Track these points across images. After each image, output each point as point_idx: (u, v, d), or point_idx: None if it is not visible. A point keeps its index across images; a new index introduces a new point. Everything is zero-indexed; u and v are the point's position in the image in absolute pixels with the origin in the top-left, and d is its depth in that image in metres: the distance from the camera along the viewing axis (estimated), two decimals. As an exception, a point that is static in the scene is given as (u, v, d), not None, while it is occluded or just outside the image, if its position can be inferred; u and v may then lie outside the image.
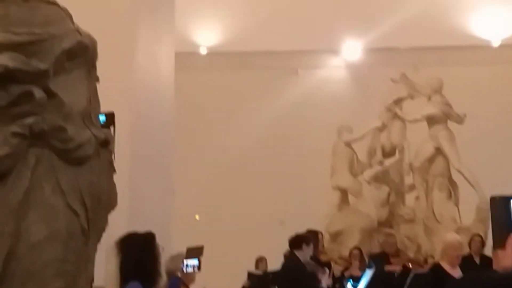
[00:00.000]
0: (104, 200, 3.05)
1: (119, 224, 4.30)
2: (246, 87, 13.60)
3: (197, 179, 12.70)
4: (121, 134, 5.72)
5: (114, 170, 3.18)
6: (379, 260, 9.83)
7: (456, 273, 6.43)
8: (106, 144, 3.11)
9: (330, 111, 12.94)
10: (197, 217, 11.17)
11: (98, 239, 3.11)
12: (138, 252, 4.49)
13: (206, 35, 14.20)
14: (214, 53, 13.94)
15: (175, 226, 8.93)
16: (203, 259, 11.02)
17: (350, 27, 13.57)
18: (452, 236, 6.94)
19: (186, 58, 11.72)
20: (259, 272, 9.92)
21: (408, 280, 7.45)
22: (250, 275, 9.84)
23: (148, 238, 4.61)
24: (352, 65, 14.22)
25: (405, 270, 9.45)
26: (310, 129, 12.89)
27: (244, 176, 12.72)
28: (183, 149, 12.30)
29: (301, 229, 8.47)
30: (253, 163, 12.79)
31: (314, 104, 13.19)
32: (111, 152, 3.18)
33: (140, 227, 4.80)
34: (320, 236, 9.10)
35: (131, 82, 7.65)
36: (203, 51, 14.33)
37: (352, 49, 14.28)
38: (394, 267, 9.90)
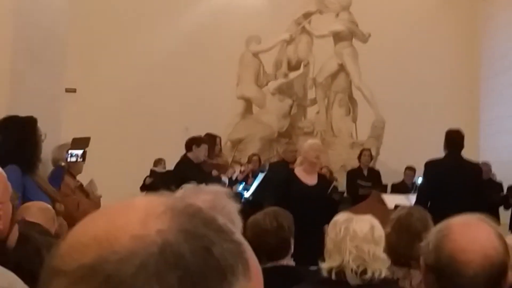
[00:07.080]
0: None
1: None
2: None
3: (99, 79, 12.43)
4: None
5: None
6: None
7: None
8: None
9: (239, 21, 12.84)
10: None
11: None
12: (18, 134, 4.40)
13: None
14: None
15: (68, 124, 8.83)
16: (109, 162, 11.12)
17: None
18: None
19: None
20: (162, 170, 10.19)
21: None
22: (152, 172, 10.13)
23: (29, 122, 4.53)
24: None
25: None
26: (218, 38, 12.77)
27: (150, 83, 12.53)
28: (83, 45, 12.01)
29: (204, 135, 8.50)
30: (160, 70, 12.54)
31: (223, 12, 12.99)
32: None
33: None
34: (218, 140, 9.23)
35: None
36: None
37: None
38: None
